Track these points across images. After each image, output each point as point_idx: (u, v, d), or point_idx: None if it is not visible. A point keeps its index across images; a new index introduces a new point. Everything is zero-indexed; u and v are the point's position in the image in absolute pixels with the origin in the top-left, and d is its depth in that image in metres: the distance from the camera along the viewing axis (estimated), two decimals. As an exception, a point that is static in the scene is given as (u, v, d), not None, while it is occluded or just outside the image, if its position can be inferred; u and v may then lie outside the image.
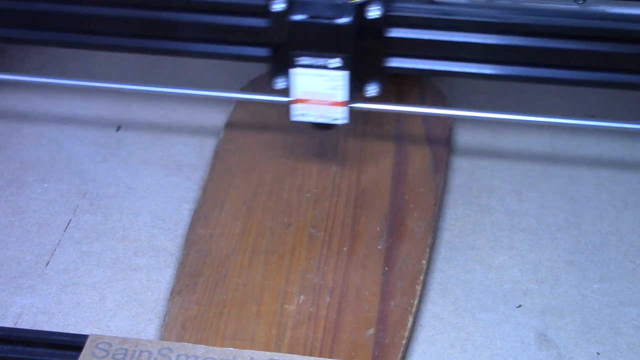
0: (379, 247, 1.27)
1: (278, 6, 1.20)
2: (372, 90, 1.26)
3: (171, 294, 1.21)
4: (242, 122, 1.49)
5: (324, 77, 1.22)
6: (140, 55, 1.66)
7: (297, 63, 1.22)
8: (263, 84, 1.56)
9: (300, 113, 1.26)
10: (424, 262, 1.25)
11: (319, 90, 1.23)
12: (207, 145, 1.49)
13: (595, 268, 1.28)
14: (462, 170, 1.44)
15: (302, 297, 1.20)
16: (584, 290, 1.25)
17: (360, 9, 1.20)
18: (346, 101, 1.24)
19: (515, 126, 1.53)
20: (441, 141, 1.45)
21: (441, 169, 1.40)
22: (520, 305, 1.23)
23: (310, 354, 1.13)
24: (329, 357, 1.13)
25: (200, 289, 1.21)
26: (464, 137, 1.50)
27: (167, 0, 1.27)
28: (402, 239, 1.28)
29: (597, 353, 1.17)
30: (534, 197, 1.40)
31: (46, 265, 1.28)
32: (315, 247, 1.27)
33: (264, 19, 1.24)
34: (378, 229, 1.30)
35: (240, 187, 1.37)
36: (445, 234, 1.34)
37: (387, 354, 1.13)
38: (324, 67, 1.21)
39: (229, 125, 1.49)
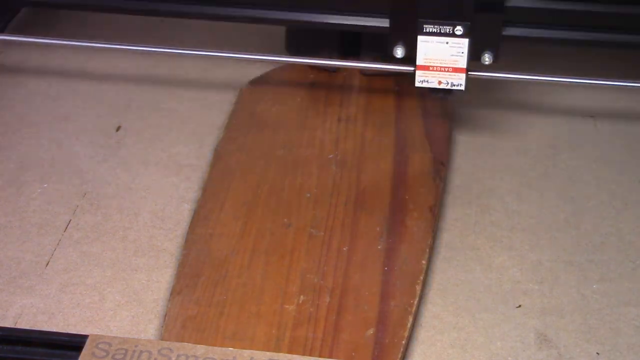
0: (379, 247, 1.27)
1: None
2: (488, 58, 1.33)
3: (171, 294, 1.21)
4: (242, 122, 1.49)
5: (447, 44, 1.28)
6: (138, 60, 1.67)
7: (424, 31, 1.28)
8: (263, 85, 1.57)
9: (423, 79, 1.32)
10: (423, 262, 1.25)
11: (441, 57, 1.30)
12: (207, 145, 1.49)
13: (595, 268, 1.28)
14: (462, 170, 1.44)
15: (302, 297, 1.20)
16: (584, 290, 1.25)
17: None
18: (466, 68, 1.30)
19: (516, 126, 1.53)
20: (441, 141, 1.45)
21: (441, 169, 1.40)
22: (520, 305, 1.23)
23: (310, 354, 1.13)
24: (329, 357, 1.13)
25: (200, 289, 1.21)
26: (464, 137, 1.50)
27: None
28: (402, 239, 1.28)
29: (597, 353, 1.17)
30: (534, 197, 1.40)
31: (46, 265, 1.28)
32: (315, 247, 1.27)
33: None
34: (378, 229, 1.30)
35: (240, 187, 1.37)
36: (445, 234, 1.34)
37: (387, 354, 1.13)
38: (449, 34, 1.27)
39: (229, 125, 1.49)
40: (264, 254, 1.26)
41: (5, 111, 1.56)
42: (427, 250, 1.27)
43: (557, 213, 1.37)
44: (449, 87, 1.33)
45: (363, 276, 1.23)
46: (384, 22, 1.34)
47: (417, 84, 1.33)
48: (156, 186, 1.42)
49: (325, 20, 1.37)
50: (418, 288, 1.21)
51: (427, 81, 1.32)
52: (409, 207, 1.33)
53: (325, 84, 1.56)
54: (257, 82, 1.57)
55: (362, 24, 1.36)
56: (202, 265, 1.25)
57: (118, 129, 1.53)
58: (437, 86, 1.33)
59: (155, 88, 1.61)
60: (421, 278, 1.23)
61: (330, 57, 1.55)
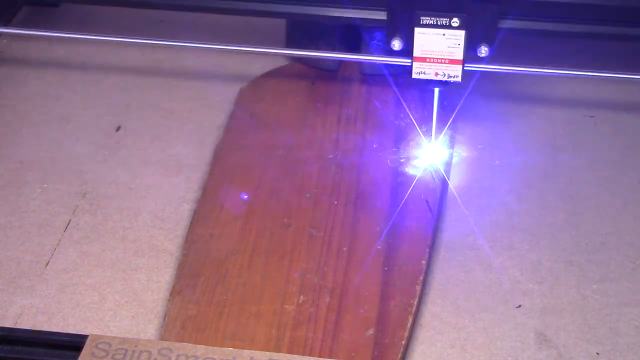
0: (378, 247, 1.27)
1: None
2: (484, 51, 1.33)
3: (171, 294, 1.21)
4: (242, 122, 1.49)
5: (444, 35, 1.29)
6: (138, 60, 1.67)
7: (421, 23, 1.28)
8: (263, 85, 1.57)
9: (420, 71, 1.32)
10: (423, 262, 1.25)
11: (438, 48, 1.30)
12: (207, 145, 1.49)
13: (595, 268, 1.28)
14: (462, 170, 1.44)
15: (302, 297, 1.20)
16: (584, 290, 1.25)
17: None
18: (462, 60, 1.30)
19: (516, 126, 1.53)
20: (441, 141, 1.45)
21: (441, 168, 1.40)
22: (520, 305, 1.23)
23: (310, 354, 1.13)
24: (329, 357, 1.13)
25: (200, 289, 1.21)
26: (464, 137, 1.50)
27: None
28: (402, 239, 1.28)
29: (597, 353, 1.17)
30: (533, 197, 1.40)
31: (46, 266, 1.28)
32: (315, 247, 1.27)
33: None
34: (378, 229, 1.30)
35: (240, 187, 1.37)
36: (445, 234, 1.34)
37: (386, 354, 1.13)
38: (446, 26, 1.28)
39: (229, 125, 1.49)
40: (264, 254, 1.26)
41: (5, 111, 1.56)
42: (427, 250, 1.27)
43: (557, 213, 1.37)
44: (445, 78, 1.33)
45: (363, 276, 1.23)
46: (382, 15, 1.35)
47: (414, 76, 1.33)
48: (156, 186, 1.42)
49: (323, 13, 1.37)
50: (418, 288, 1.21)
51: (424, 73, 1.33)
52: (409, 207, 1.33)
53: (325, 84, 1.56)
54: (257, 82, 1.57)
55: (360, 16, 1.37)
56: (202, 265, 1.24)
57: (118, 129, 1.53)
58: (434, 78, 1.33)
59: (155, 88, 1.61)
60: (421, 278, 1.23)
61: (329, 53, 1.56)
